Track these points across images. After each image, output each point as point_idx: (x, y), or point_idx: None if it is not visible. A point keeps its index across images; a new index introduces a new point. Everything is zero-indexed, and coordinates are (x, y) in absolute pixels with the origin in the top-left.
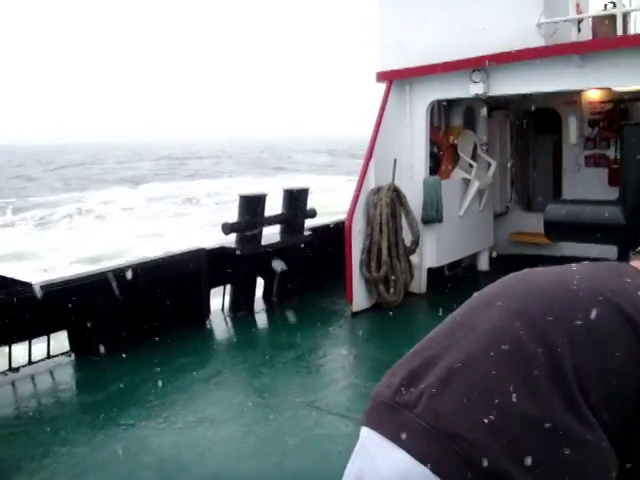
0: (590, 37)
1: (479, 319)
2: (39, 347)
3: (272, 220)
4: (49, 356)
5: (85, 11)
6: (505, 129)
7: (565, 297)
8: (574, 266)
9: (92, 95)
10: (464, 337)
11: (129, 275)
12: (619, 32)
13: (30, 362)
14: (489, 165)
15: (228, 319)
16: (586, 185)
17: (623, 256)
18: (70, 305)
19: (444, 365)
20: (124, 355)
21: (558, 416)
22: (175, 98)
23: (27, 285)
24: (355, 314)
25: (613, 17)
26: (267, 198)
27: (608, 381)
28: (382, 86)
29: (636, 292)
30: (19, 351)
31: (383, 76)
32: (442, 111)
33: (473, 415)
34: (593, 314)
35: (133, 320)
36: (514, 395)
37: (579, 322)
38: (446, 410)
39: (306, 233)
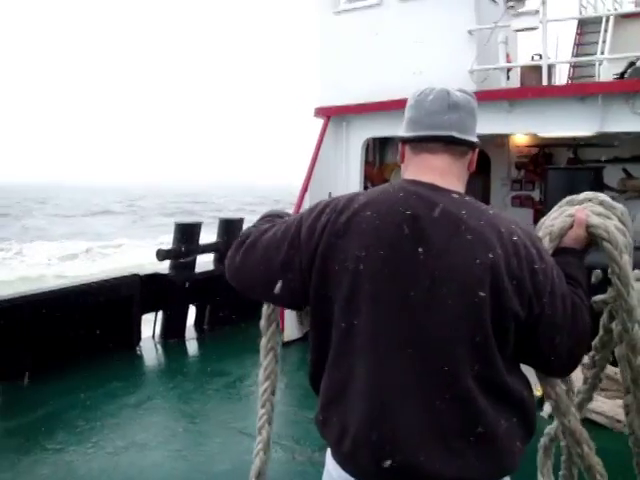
0: (519, 85)
1: None
2: None
3: (206, 248)
4: None
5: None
6: None
7: None
8: None
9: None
10: None
11: (58, 298)
12: (544, 82)
13: None
14: None
15: (159, 346)
16: None
17: None
18: None
19: None
20: (51, 380)
21: None
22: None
23: None
24: (286, 344)
25: (539, 67)
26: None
27: None
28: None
29: None
30: None
31: (321, 112)
32: (377, 148)
33: None
34: None
35: (61, 344)
36: None
37: None
38: None
39: None
